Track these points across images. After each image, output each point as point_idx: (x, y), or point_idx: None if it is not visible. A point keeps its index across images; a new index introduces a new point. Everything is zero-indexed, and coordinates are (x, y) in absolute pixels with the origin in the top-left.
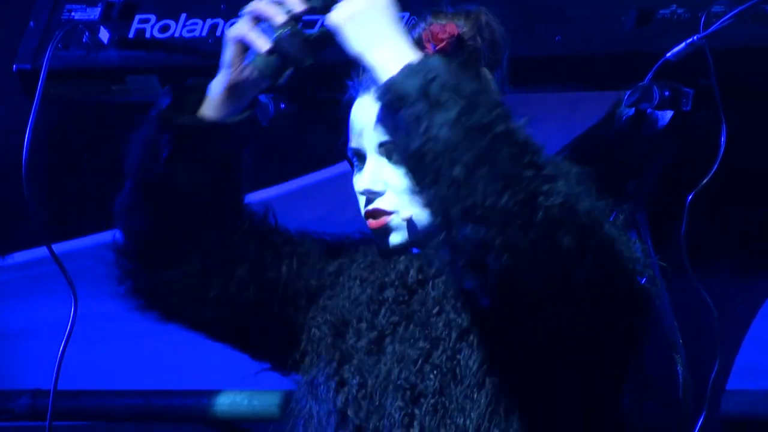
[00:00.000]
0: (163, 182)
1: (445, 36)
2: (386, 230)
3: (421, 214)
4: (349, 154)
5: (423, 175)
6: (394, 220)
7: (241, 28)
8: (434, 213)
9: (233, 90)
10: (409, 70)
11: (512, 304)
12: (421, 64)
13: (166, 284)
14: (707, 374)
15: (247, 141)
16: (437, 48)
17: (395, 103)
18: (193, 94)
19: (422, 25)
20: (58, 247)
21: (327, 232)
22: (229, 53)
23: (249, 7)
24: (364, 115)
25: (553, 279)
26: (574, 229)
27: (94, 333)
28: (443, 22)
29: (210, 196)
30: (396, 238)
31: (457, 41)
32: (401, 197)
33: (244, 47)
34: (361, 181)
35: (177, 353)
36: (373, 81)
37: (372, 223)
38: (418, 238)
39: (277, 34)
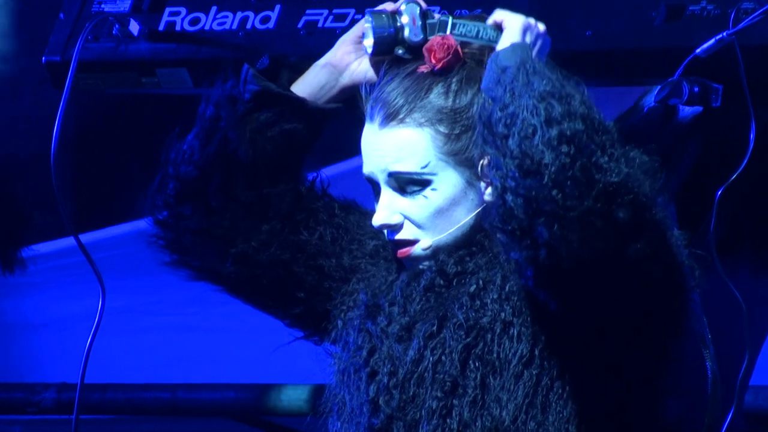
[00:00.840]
0: (227, 136)
1: (443, 54)
2: (415, 259)
3: (444, 237)
4: (366, 178)
5: (494, 127)
6: (418, 249)
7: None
8: (496, 169)
9: (333, 82)
10: (517, 48)
11: (557, 281)
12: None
13: (195, 233)
14: (735, 370)
15: (321, 128)
16: (438, 67)
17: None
18: (289, 70)
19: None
20: (86, 238)
21: (370, 210)
22: (341, 51)
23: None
24: (373, 143)
25: (604, 256)
26: (629, 208)
27: (122, 326)
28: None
29: (265, 163)
30: (424, 265)
31: (456, 54)
32: (420, 225)
33: (356, 46)
34: (377, 217)
35: (203, 346)
36: (380, 110)
37: (398, 253)
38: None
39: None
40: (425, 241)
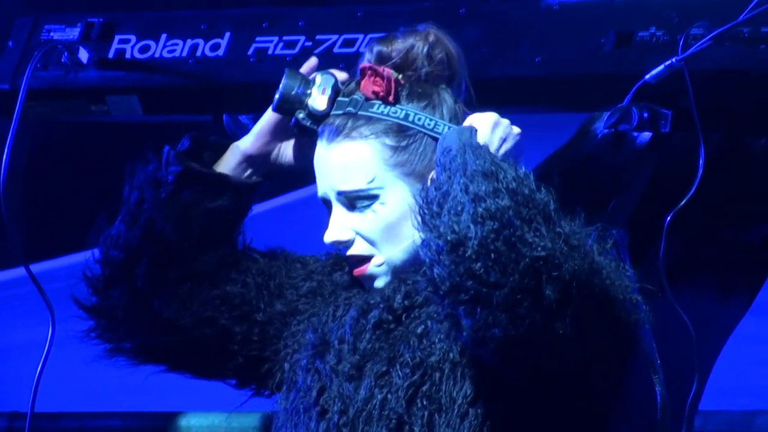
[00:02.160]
0: (153, 218)
1: (378, 88)
2: (370, 276)
3: (397, 253)
4: (320, 199)
5: (430, 206)
6: (372, 266)
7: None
8: (425, 245)
9: (252, 162)
10: (460, 131)
11: (489, 348)
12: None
13: (123, 314)
14: (685, 395)
15: (246, 204)
16: (378, 97)
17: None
18: (210, 150)
19: (366, 54)
20: (36, 267)
21: (298, 254)
22: (268, 124)
23: None
24: (322, 162)
25: (535, 331)
26: (557, 284)
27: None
28: (389, 48)
29: (192, 242)
30: (380, 283)
31: (394, 88)
32: (371, 241)
33: (285, 122)
34: (328, 234)
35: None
36: (328, 128)
37: (355, 271)
38: (402, 277)
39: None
40: (378, 258)
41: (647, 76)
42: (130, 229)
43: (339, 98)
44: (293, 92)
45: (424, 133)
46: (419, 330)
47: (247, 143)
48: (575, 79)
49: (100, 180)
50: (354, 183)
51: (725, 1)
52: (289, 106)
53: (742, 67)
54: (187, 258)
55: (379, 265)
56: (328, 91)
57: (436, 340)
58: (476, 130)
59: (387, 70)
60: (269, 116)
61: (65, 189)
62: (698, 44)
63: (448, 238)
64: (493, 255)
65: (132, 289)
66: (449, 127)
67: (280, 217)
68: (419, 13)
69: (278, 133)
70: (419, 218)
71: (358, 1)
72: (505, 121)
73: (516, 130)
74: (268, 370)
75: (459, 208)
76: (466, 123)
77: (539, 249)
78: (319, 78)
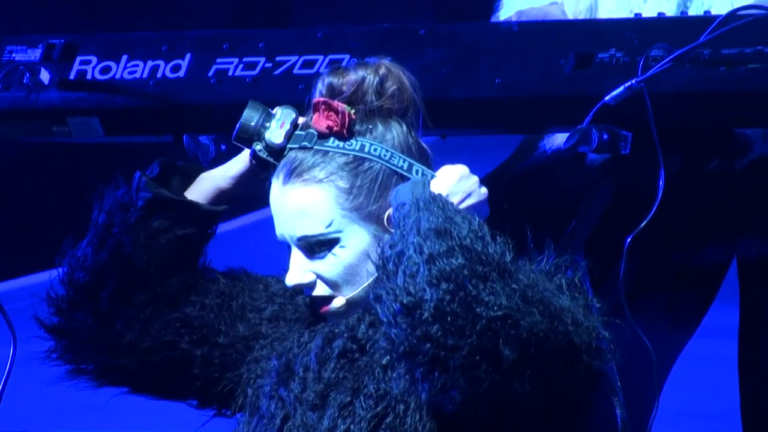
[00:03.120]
0: (121, 243)
1: (332, 123)
2: (333, 316)
3: (359, 292)
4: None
5: (386, 264)
6: (334, 307)
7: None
8: (382, 305)
9: (221, 192)
10: (413, 184)
11: (452, 406)
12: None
13: (86, 336)
14: (645, 417)
15: (211, 231)
16: (332, 132)
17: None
18: (179, 175)
19: (318, 85)
20: None
21: (260, 274)
22: (242, 166)
23: None
24: (278, 205)
25: (494, 392)
26: (515, 343)
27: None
28: (341, 80)
29: (159, 267)
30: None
31: (348, 123)
32: (332, 284)
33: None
34: (290, 277)
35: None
36: (283, 165)
37: (320, 310)
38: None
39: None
40: (339, 300)
41: (607, 98)
42: (98, 252)
43: (296, 132)
44: (252, 123)
45: (381, 165)
46: (384, 361)
47: (217, 176)
48: (535, 101)
49: (61, 201)
50: (312, 228)
51: (685, 23)
52: (248, 137)
53: (702, 88)
54: (153, 283)
55: (340, 307)
56: (287, 126)
57: (403, 372)
58: (429, 182)
59: (341, 105)
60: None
61: (26, 209)
62: (658, 66)
63: (404, 301)
64: (449, 318)
65: (96, 312)
66: (404, 160)
67: (241, 237)
68: (378, 35)
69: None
70: (379, 275)
71: (318, 22)
72: (474, 178)
73: (483, 190)
74: (230, 392)
75: (414, 269)
76: (438, 174)
77: (495, 308)
78: (279, 111)
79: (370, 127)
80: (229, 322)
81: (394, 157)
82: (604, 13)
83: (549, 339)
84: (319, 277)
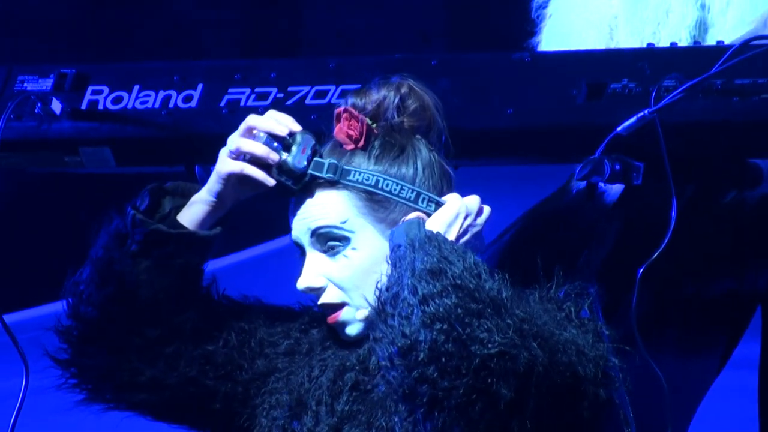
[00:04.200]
0: (123, 277)
1: (353, 132)
2: (342, 324)
3: (367, 302)
4: (294, 244)
5: (383, 306)
6: (346, 313)
7: (239, 166)
8: (380, 347)
9: (215, 211)
10: (408, 224)
11: None
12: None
13: (100, 370)
14: None
15: (210, 253)
16: (356, 147)
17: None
18: (171, 197)
19: (342, 104)
20: (10, 318)
21: (274, 305)
22: (221, 186)
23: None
24: (297, 205)
25: (493, 428)
26: (511, 380)
27: (46, 404)
28: (364, 99)
29: (165, 297)
30: (352, 330)
31: (366, 133)
32: (343, 287)
33: (241, 181)
34: (301, 281)
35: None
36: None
37: (329, 319)
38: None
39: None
40: (352, 304)
41: (619, 128)
42: (101, 288)
43: (316, 158)
44: (273, 144)
45: (391, 199)
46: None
47: (210, 196)
48: (547, 131)
49: (73, 230)
50: (327, 220)
51: (698, 53)
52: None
53: (714, 119)
54: (162, 315)
55: (350, 313)
56: (308, 151)
57: (405, 415)
58: (424, 222)
59: (362, 117)
60: (231, 172)
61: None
62: (670, 96)
63: (400, 343)
64: (443, 358)
65: (110, 347)
66: (412, 191)
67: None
68: (390, 65)
69: (240, 188)
70: (377, 316)
71: (329, 51)
72: (473, 209)
73: (484, 215)
74: (249, 426)
75: (409, 311)
76: (445, 202)
77: (490, 346)
78: (299, 137)
79: (391, 142)
80: (249, 358)
81: (404, 190)
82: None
83: (550, 372)
84: (330, 281)
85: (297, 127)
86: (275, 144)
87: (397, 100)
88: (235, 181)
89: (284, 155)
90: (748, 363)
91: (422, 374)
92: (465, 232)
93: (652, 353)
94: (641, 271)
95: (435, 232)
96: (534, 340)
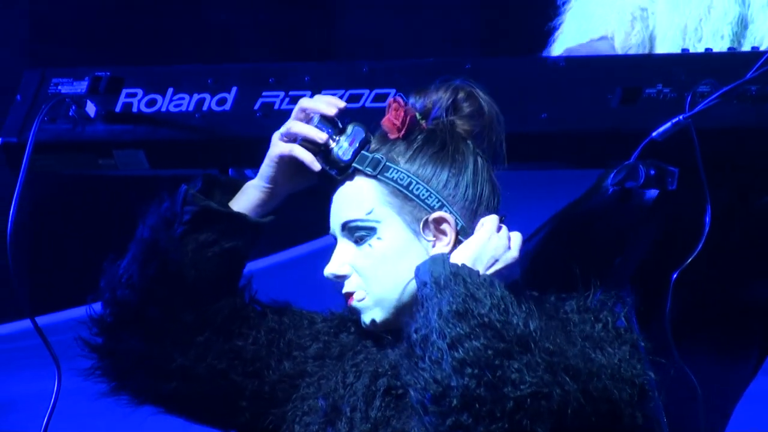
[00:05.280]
0: (167, 257)
1: (397, 121)
2: (358, 310)
3: (386, 292)
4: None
5: (413, 349)
6: (361, 299)
7: (289, 147)
8: (414, 392)
9: (268, 198)
10: (433, 261)
11: None
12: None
13: (134, 356)
14: None
15: (258, 242)
16: (398, 136)
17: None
18: (221, 188)
19: (407, 101)
20: (42, 320)
21: (305, 310)
22: (273, 169)
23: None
24: (335, 197)
25: None
26: (547, 419)
27: (78, 407)
28: (422, 98)
29: (205, 283)
30: (368, 317)
31: (411, 124)
32: (365, 276)
33: (292, 165)
34: (328, 267)
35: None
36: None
37: (348, 301)
38: (390, 316)
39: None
40: (369, 291)
41: (654, 133)
42: (144, 269)
43: (363, 152)
44: (324, 130)
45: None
46: None
47: (261, 182)
48: (581, 136)
49: (106, 232)
50: (354, 213)
51: (732, 59)
52: (314, 146)
53: (749, 124)
54: (201, 301)
55: (361, 300)
56: (356, 143)
57: None
58: (449, 257)
59: (409, 108)
60: (281, 153)
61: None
62: (705, 102)
63: (432, 390)
64: (476, 404)
65: (144, 331)
66: (439, 201)
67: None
68: (424, 69)
69: (291, 174)
70: (410, 359)
71: (361, 54)
72: (503, 238)
73: (513, 253)
74: (275, 429)
75: (438, 356)
76: (478, 225)
77: (522, 387)
78: (350, 128)
79: (435, 140)
80: (277, 358)
81: (431, 197)
82: (660, 50)
83: (585, 404)
84: (354, 269)
85: (343, 104)
86: (328, 129)
87: (450, 100)
88: (285, 165)
89: (332, 144)
90: None
91: (456, 421)
92: (495, 260)
93: (685, 359)
94: (675, 276)
95: (461, 265)
96: (566, 373)
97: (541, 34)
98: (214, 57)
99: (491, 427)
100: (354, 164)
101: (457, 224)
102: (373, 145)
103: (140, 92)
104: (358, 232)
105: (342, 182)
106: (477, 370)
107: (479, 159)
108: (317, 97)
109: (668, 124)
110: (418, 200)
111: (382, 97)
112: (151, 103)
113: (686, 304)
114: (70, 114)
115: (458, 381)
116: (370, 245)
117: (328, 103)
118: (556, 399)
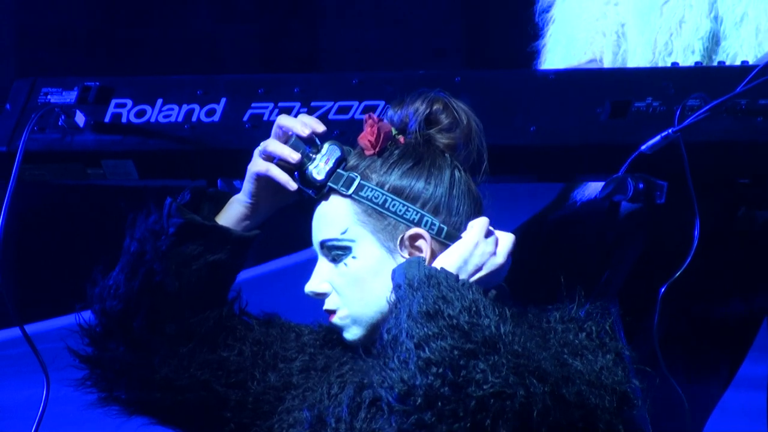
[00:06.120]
0: (152, 269)
1: (372, 138)
2: (338, 328)
3: (362, 310)
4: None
5: (385, 349)
6: (339, 317)
7: (266, 166)
8: (382, 392)
9: (250, 213)
10: (408, 264)
11: None
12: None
13: (119, 366)
14: None
15: (245, 256)
16: (374, 152)
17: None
18: (210, 202)
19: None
20: (31, 328)
21: (292, 322)
22: (254, 186)
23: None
24: (314, 215)
25: None
26: (511, 419)
27: (67, 415)
28: (398, 111)
29: (188, 295)
30: (349, 334)
31: (386, 140)
32: (341, 294)
33: (270, 183)
34: (308, 285)
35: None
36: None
37: (330, 321)
38: (369, 332)
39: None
40: (342, 311)
41: (643, 147)
42: (130, 280)
43: (338, 171)
44: (300, 148)
45: (395, 220)
46: None
47: (246, 197)
48: (570, 149)
49: (95, 241)
50: (330, 232)
51: (722, 73)
52: (289, 166)
53: (738, 139)
54: (184, 313)
55: (343, 318)
56: (331, 162)
57: None
58: (424, 260)
59: (384, 124)
60: (258, 172)
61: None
62: (695, 115)
63: (398, 389)
64: (440, 402)
65: (128, 341)
66: (418, 214)
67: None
68: (414, 81)
69: (272, 191)
70: (380, 359)
71: (346, 68)
72: (490, 245)
73: (499, 258)
74: None
75: (406, 356)
76: (467, 229)
77: (485, 386)
78: (326, 147)
79: (412, 153)
80: (262, 369)
81: (408, 212)
82: (631, 64)
83: (552, 406)
84: (333, 288)
85: (321, 128)
86: (305, 148)
87: (426, 113)
88: (264, 182)
89: (307, 164)
90: (754, 383)
91: (419, 420)
92: (479, 268)
93: (662, 373)
94: (663, 290)
95: (440, 268)
96: (533, 375)
97: (524, 46)
98: (202, 67)
99: (454, 426)
100: (329, 183)
101: (439, 235)
102: (351, 162)
103: (129, 102)
104: (334, 251)
105: (319, 201)
106: (442, 369)
107: (456, 171)
108: (300, 116)
109: (657, 138)
110: (395, 216)
111: (371, 109)
112: (140, 113)
113: (662, 317)
114: (60, 124)
115: (423, 380)
116: (345, 264)
117: (304, 124)
118: (519, 400)
